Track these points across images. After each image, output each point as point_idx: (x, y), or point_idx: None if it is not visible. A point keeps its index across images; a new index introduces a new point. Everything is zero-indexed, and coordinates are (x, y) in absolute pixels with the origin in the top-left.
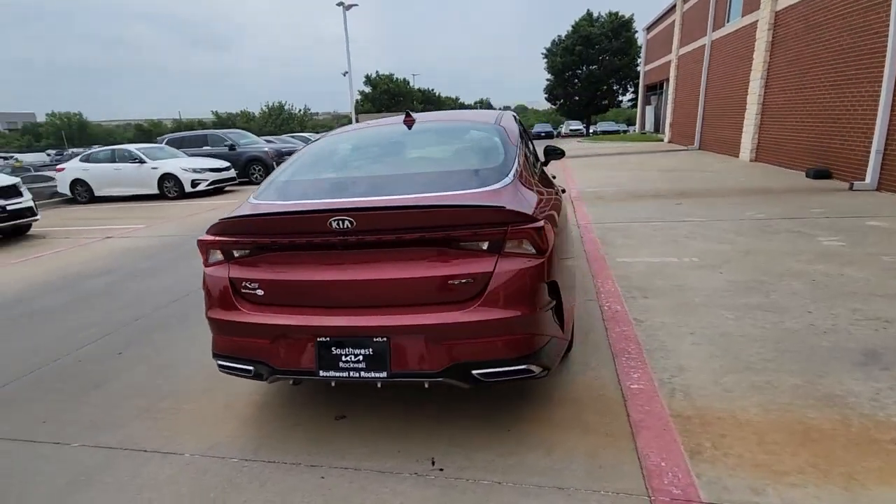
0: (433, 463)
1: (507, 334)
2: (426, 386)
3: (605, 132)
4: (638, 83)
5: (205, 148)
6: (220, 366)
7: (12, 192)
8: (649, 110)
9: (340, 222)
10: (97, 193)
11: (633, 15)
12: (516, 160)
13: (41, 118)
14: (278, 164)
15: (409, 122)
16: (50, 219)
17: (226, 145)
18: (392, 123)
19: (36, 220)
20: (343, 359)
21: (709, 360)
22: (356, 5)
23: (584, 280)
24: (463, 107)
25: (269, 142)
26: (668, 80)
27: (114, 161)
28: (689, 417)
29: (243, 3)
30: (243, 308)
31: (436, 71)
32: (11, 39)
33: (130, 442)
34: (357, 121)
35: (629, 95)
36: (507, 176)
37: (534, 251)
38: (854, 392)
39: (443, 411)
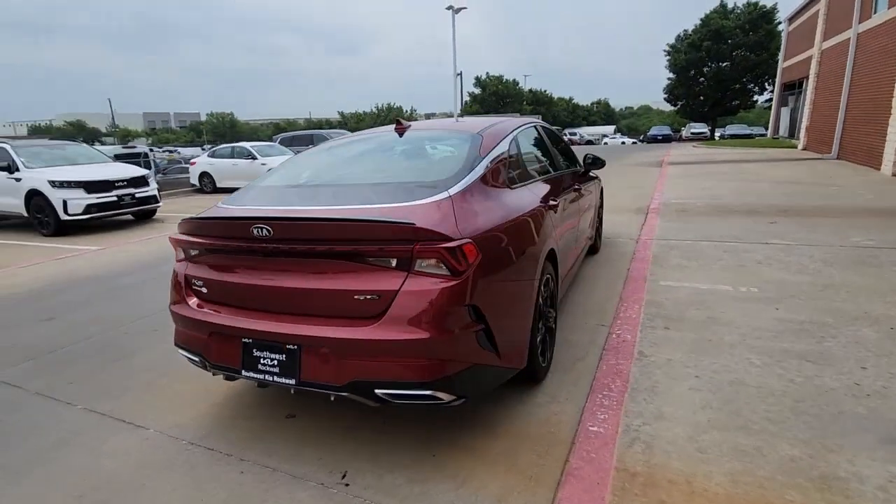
0: (343, 476)
1: (409, 357)
2: (332, 399)
3: (733, 136)
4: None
5: (310, 146)
6: (179, 352)
7: (141, 182)
8: (784, 112)
9: (260, 230)
10: (219, 185)
11: (776, 4)
12: (473, 172)
13: (203, 117)
14: None
15: (400, 131)
16: (176, 205)
17: None
18: (383, 132)
19: (159, 206)
20: (262, 361)
21: (698, 411)
22: (465, 8)
23: (606, 303)
24: (576, 108)
25: None
26: (807, 77)
27: (232, 157)
28: (635, 474)
29: (373, 11)
30: (191, 303)
31: (550, 71)
32: (188, 49)
33: (119, 412)
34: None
35: (766, 95)
36: (445, 190)
37: (447, 272)
38: (862, 476)
39: (386, 425)
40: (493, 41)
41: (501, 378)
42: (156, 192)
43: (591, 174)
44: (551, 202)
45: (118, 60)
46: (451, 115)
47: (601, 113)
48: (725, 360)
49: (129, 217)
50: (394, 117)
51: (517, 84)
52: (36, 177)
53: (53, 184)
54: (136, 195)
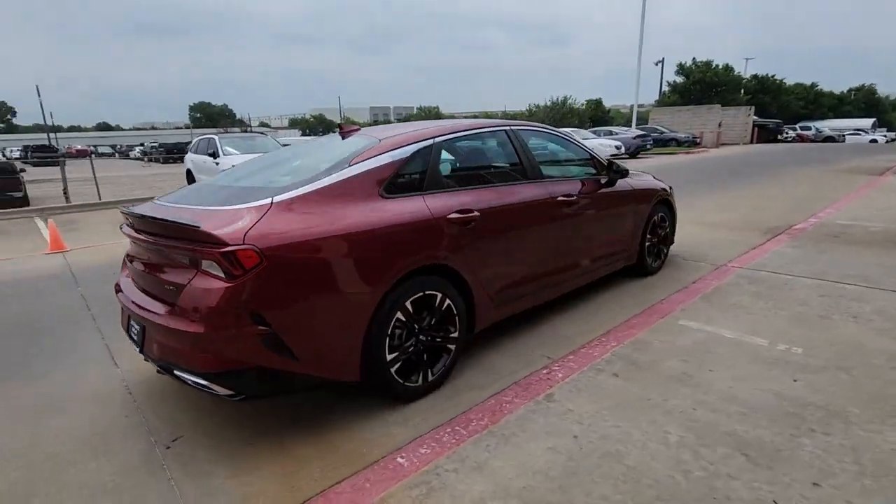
0: (174, 440)
1: (188, 346)
2: (157, 371)
3: None
4: None
5: None
6: None
7: None
8: None
9: (130, 224)
10: None
11: None
12: (324, 180)
13: (415, 111)
14: None
15: (343, 135)
16: None
17: None
18: (330, 137)
19: None
20: (133, 332)
21: (528, 474)
22: None
23: (583, 335)
24: (819, 96)
25: None
26: None
27: None
28: None
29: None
30: (123, 276)
31: (785, 53)
32: (410, 49)
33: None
34: (636, 116)
35: None
36: (271, 197)
37: (223, 274)
38: None
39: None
40: (716, 23)
41: (312, 383)
42: None
43: (648, 187)
44: (457, 215)
45: (355, 61)
46: (628, 108)
47: (859, 102)
48: (636, 425)
49: None
50: (566, 110)
51: (731, 70)
52: (228, 162)
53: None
54: None
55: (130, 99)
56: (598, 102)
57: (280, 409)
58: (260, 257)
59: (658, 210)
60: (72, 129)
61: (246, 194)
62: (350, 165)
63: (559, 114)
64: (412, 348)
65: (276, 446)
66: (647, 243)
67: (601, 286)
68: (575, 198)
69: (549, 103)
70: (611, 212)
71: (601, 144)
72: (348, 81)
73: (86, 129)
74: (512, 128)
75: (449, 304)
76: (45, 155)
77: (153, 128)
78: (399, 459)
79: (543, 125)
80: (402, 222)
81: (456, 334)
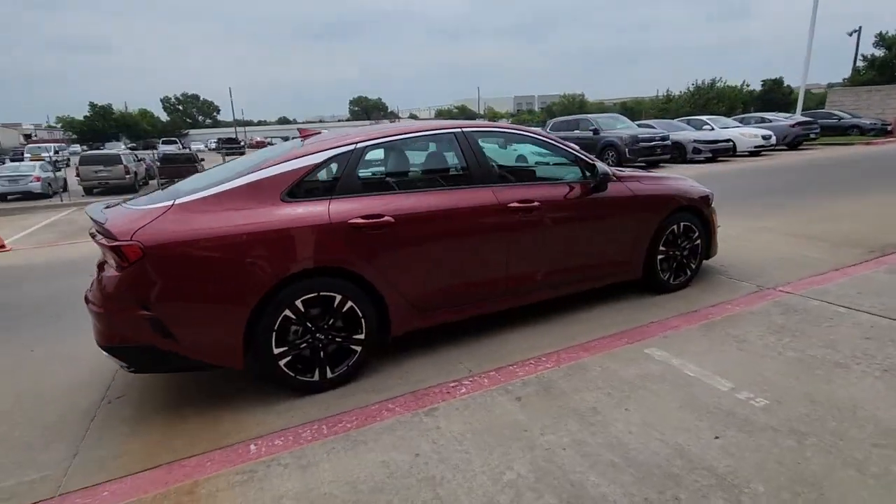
0: (111, 401)
1: (96, 324)
2: None
3: None
4: None
5: (575, 132)
6: None
7: None
8: None
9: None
10: None
11: None
12: (227, 185)
13: (557, 99)
14: (631, 151)
15: (303, 138)
16: None
17: (590, 129)
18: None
19: None
20: None
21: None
22: None
23: (512, 355)
24: None
25: (648, 126)
26: None
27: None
28: None
29: None
30: None
31: None
32: (563, 35)
33: None
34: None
35: None
36: (175, 199)
37: (115, 264)
38: None
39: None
40: None
41: (197, 366)
42: None
43: (659, 192)
44: (361, 220)
45: (506, 51)
46: (823, 87)
47: None
48: (486, 455)
49: None
50: (711, 95)
51: None
52: None
53: None
54: None
55: (305, 95)
56: (777, 82)
57: (215, 382)
58: (142, 252)
59: (678, 219)
60: (260, 123)
61: (166, 195)
62: (254, 171)
63: (703, 99)
64: (305, 345)
65: (178, 416)
66: (659, 256)
67: (595, 298)
68: (536, 204)
69: (692, 87)
70: (597, 220)
71: (742, 134)
72: (501, 71)
73: (269, 123)
74: (465, 130)
75: (352, 307)
76: (231, 146)
77: (321, 121)
78: (251, 446)
79: (515, 126)
80: (290, 226)
81: (362, 336)
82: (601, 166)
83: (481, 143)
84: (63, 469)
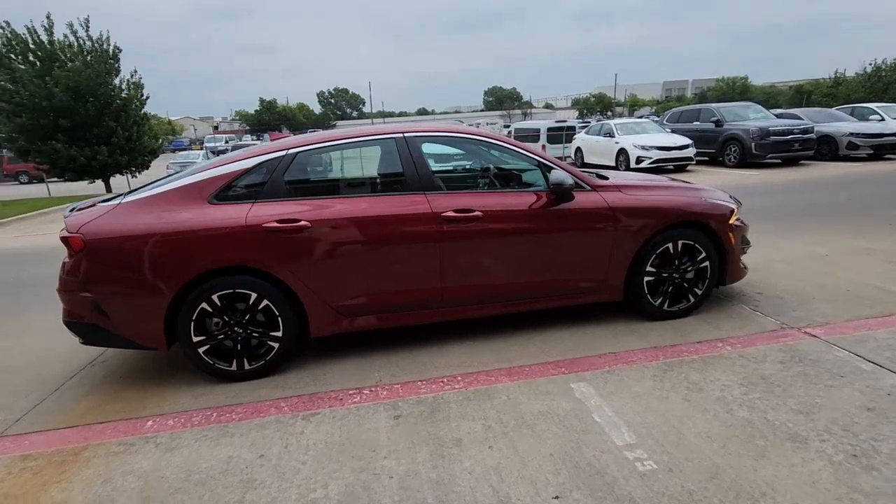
0: (92, 364)
1: (61, 302)
2: None
3: None
4: None
5: (695, 123)
6: None
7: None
8: None
9: None
10: (585, 160)
11: None
12: (164, 186)
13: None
14: (759, 146)
15: (272, 140)
16: None
17: (712, 121)
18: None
19: None
20: None
21: None
22: None
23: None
24: None
25: (793, 116)
26: None
27: (599, 134)
28: None
29: None
30: None
31: None
32: (715, 13)
33: None
34: None
35: None
36: (123, 197)
37: (67, 253)
38: None
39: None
40: None
41: (133, 345)
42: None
43: (646, 205)
44: (276, 224)
45: (652, 34)
46: None
47: None
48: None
49: None
50: (889, 81)
51: None
52: (627, 141)
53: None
54: None
55: (442, 87)
56: None
57: (177, 358)
58: (84, 243)
59: (674, 236)
60: (401, 114)
61: (125, 195)
62: (192, 174)
63: (882, 82)
64: (223, 336)
65: (129, 383)
66: (647, 278)
67: (574, 316)
68: (477, 213)
69: (870, 67)
70: (558, 233)
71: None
72: (647, 55)
73: (409, 114)
74: (406, 135)
75: (268, 305)
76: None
77: (457, 111)
78: (149, 422)
79: (473, 130)
80: (208, 227)
81: (279, 334)
82: (558, 175)
83: (455, 149)
84: (20, 415)
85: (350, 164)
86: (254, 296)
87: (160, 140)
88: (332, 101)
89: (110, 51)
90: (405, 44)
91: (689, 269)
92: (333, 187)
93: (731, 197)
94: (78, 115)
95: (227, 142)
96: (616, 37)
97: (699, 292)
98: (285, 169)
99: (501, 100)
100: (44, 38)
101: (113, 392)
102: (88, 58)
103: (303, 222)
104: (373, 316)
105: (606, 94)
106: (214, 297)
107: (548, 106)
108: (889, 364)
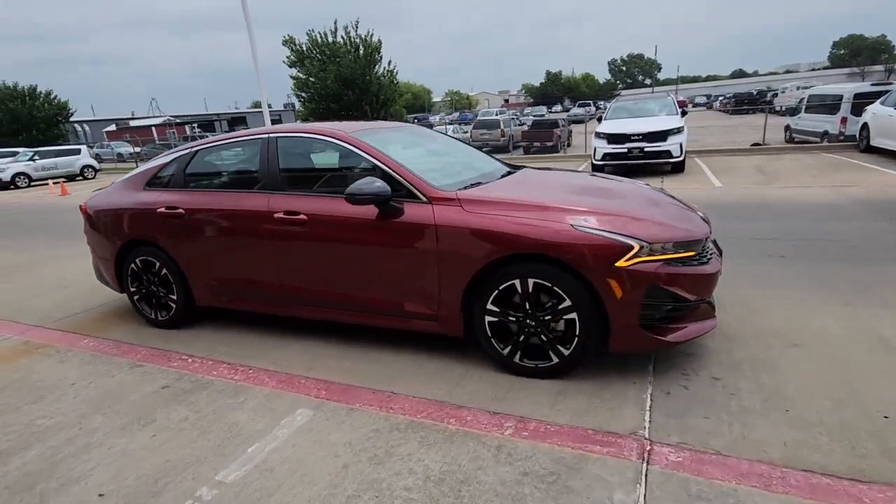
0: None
1: None
2: None
3: None
4: None
5: None
6: None
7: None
8: None
9: None
10: (872, 142)
11: None
12: (135, 174)
13: None
14: None
15: None
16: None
17: None
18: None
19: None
20: None
21: None
22: None
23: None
24: None
25: None
26: None
27: None
28: None
29: None
30: None
31: None
32: None
33: None
34: None
35: None
36: (120, 181)
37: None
38: None
39: None
40: None
41: (108, 284)
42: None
43: (485, 228)
44: (164, 210)
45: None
46: None
47: None
48: None
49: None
50: None
51: None
52: None
53: None
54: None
55: (768, 42)
56: None
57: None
58: (87, 216)
59: (521, 272)
60: (708, 78)
61: (121, 179)
62: (148, 165)
63: None
64: (145, 290)
65: (113, 313)
66: (488, 318)
67: (449, 348)
68: (303, 217)
69: None
70: (380, 247)
71: None
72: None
73: (721, 78)
74: (271, 136)
75: (166, 274)
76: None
77: (787, 71)
78: (85, 340)
79: (322, 130)
80: (132, 207)
81: (174, 297)
82: (358, 185)
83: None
84: (61, 316)
85: (231, 162)
86: (157, 264)
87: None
88: (624, 68)
89: (372, 46)
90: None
91: (547, 319)
92: (213, 182)
93: (703, 220)
94: (343, 101)
95: (496, 114)
96: None
97: (565, 353)
98: (187, 163)
99: (858, 52)
100: (330, 39)
101: (104, 315)
102: (360, 52)
103: (179, 210)
104: (234, 298)
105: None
106: (137, 260)
107: None
108: None
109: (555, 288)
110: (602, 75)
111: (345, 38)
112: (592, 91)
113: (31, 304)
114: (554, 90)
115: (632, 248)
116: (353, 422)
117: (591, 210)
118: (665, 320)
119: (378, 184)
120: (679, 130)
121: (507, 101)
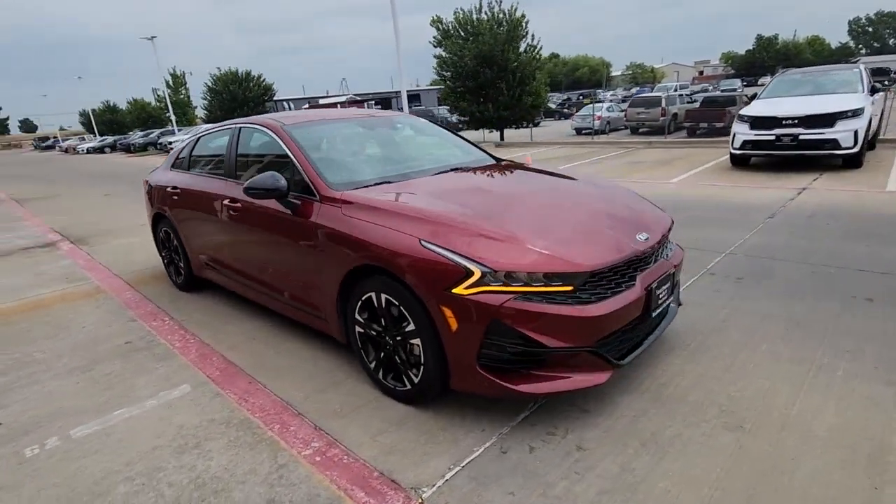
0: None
1: None
2: None
3: None
4: None
5: None
6: None
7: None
8: None
9: None
10: None
11: None
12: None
13: None
14: None
15: None
16: None
17: None
18: None
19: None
20: None
21: None
22: None
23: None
24: None
25: None
26: None
27: None
28: None
29: None
30: None
31: None
32: None
33: None
34: None
35: None
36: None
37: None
38: None
39: None
40: None
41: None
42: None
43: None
44: (171, 189)
45: None
46: None
47: None
48: None
49: None
50: None
51: None
52: None
53: None
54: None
55: None
56: None
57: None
58: (148, 187)
59: (375, 286)
60: None
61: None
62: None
63: None
64: (167, 259)
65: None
66: (357, 328)
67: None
68: (239, 205)
69: None
70: (284, 239)
71: None
72: None
73: None
74: (238, 126)
75: (176, 244)
76: (878, 79)
77: None
78: (127, 293)
79: (269, 123)
80: (158, 184)
81: (180, 260)
82: (255, 179)
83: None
84: (141, 267)
85: (216, 149)
86: (171, 235)
87: (543, 98)
88: (871, 29)
89: (514, 21)
90: None
91: (398, 339)
92: (201, 166)
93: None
94: (480, 79)
95: (670, 90)
96: None
97: (415, 380)
98: (192, 148)
99: None
100: (474, 17)
101: (158, 273)
102: (504, 28)
103: (178, 189)
104: (216, 272)
105: None
106: (162, 231)
107: None
108: None
109: (401, 307)
110: (836, 39)
111: (488, 13)
112: (820, 58)
113: (134, 256)
114: (765, 58)
115: (472, 273)
116: (207, 407)
117: (454, 224)
118: (521, 364)
119: (272, 179)
120: (857, 113)
121: (701, 72)
